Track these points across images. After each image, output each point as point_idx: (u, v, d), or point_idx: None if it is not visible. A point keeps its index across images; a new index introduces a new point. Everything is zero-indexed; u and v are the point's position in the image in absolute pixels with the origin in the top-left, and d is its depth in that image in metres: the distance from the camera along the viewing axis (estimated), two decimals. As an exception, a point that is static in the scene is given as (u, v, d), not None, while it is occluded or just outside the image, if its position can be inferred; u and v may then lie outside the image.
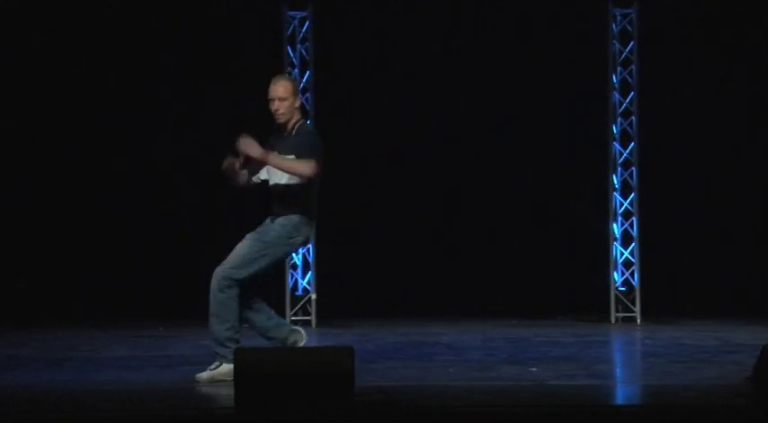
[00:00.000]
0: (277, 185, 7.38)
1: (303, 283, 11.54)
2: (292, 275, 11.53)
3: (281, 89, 7.41)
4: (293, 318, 11.39)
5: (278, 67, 11.57)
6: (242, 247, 7.31)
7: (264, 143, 7.36)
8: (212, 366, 7.15)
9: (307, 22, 11.62)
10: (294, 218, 7.31)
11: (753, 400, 5.90)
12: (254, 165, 7.42)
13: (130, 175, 12.13)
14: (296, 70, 11.59)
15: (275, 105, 7.40)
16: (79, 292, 11.89)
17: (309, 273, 11.54)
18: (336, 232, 11.80)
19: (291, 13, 11.64)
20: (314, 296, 11.45)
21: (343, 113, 12.13)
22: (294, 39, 11.63)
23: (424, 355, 8.68)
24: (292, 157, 7.27)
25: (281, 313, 11.40)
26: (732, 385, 6.40)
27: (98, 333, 10.40)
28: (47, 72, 12.07)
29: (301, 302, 11.45)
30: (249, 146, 7.28)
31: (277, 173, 7.34)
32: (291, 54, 11.62)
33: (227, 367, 6.99)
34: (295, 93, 7.48)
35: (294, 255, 11.54)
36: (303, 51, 11.63)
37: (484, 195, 12.35)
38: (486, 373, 7.58)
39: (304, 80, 11.60)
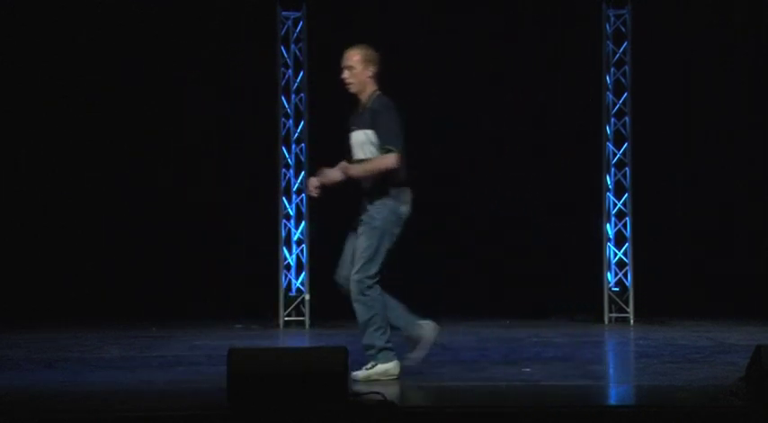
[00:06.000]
0: (361, 160, 7.18)
1: (297, 283, 11.54)
2: (286, 276, 11.54)
3: (348, 57, 7.23)
4: (286, 318, 11.40)
5: (272, 68, 11.62)
6: (361, 244, 7.11)
7: (344, 121, 7.28)
8: (367, 366, 7.12)
9: (300, 23, 11.63)
10: (391, 191, 7.12)
11: (746, 401, 5.90)
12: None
13: (126, 177, 12.12)
14: (289, 70, 11.60)
15: (344, 74, 7.23)
16: (73, 292, 11.89)
17: (303, 273, 11.54)
18: (330, 232, 11.77)
19: (285, 13, 11.65)
20: (307, 297, 11.45)
21: (337, 114, 12.10)
22: (288, 39, 11.64)
23: (418, 355, 8.66)
24: (371, 132, 7.08)
25: (275, 313, 11.44)
26: (725, 386, 6.40)
27: (91, 334, 10.39)
28: (46, 73, 12.07)
29: (295, 303, 11.45)
30: (326, 177, 7.14)
31: (361, 149, 7.14)
32: (285, 54, 11.63)
33: (381, 367, 7.08)
34: (365, 60, 7.22)
35: (288, 255, 11.55)
36: (297, 52, 11.64)
37: (478, 195, 12.36)
38: (480, 373, 7.58)
39: (297, 80, 11.61)
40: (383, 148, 7.08)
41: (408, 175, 7.19)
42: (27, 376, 7.57)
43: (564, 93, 12.22)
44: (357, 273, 7.10)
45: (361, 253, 7.10)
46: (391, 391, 6.40)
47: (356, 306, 7.14)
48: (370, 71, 7.25)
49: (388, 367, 7.10)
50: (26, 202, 12.08)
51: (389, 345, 7.15)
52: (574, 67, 12.10)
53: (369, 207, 7.14)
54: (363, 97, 7.28)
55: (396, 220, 7.15)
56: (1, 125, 12.07)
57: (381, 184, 7.11)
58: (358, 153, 7.21)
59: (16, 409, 6.06)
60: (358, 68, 7.22)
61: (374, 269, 7.10)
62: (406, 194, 7.19)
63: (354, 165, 7.16)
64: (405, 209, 7.18)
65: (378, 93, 7.28)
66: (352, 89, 7.27)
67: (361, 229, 7.15)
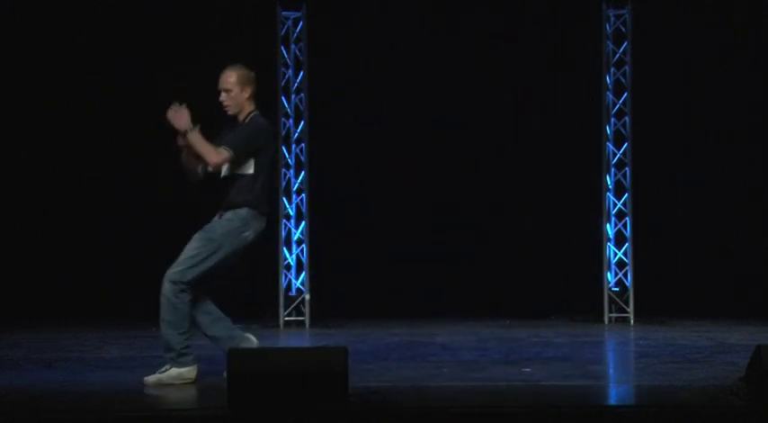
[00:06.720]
0: (225, 177, 7.12)
1: (297, 283, 11.54)
2: (286, 276, 11.54)
3: (224, 80, 7.14)
4: (287, 318, 11.40)
5: (271, 68, 11.61)
6: (190, 248, 7.04)
7: (218, 132, 7.09)
8: (162, 369, 7.00)
9: (300, 23, 11.63)
10: (242, 212, 7.06)
11: (746, 401, 5.90)
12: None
13: (126, 177, 12.12)
14: (290, 70, 11.60)
15: (221, 97, 7.15)
16: (73, 292, 11.88)
17: (303, 273, 11.54)
18: (330, 233, 11.81)
19: (285, 13, 11.65)
20: (307, 296, 11.45)
21: (337, 114, 12.14)
22: (288, 39, 11.64)
23: (418, 355, 8.68)
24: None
25: (276, 314, 11.44)
26: (725, 386, 6.40)
27: (91, 334, 10.39)
28: (46, 73, 12.07)
29: (295, 303, 11.45)
30: (176, 116, 7.00)
31: (225, 165, 7.07)
32: (285, 54, 11.63)
33: (176, 371, 6.94)
34: (242, 82, 7.13)
35: (288, 255, 11.55)
36: (297, 52, 11.64)
37: (477, 196, 12.36)
38: (480, 373, 7.58)
39: (297, 80, 11.62)
40: (224, 146, 7.00)
41: (266, 203, 7.14)
42: (27, 376, 7.57)
43: (564, 93, 12.22)
44: (175, 274, 6.97)
45: (186, 256, 7.02)
46: (391, 392, 6.40)
47: (165, 304, 6.96)
48: (247, 92, 7.16)
49: (182, 371, 6.97)
50: (26, 202, 12.08)
51: (188, 350, 7.01)
52: (574, 67, 12.10)
53: (218, 219, 7.11)
54: (240, 117, 7.18)
55: (235, 243, 7.08)
56: (1, 125, 12.06)
57: (239, 200, 7.07)
58: (222, 169, 7.13)
59: (16, 409, 6.06)
60: (235, 91, 7.14)
61: (191, 276, 6.96)
62: (258, 223, 7.13)
63: (198, 132, 7.03)
64: (249, 235, 7.10)
65: (255, 113, 7.19)
66: (231, 111, 7.16)
67: (198, 235, 7.08)
